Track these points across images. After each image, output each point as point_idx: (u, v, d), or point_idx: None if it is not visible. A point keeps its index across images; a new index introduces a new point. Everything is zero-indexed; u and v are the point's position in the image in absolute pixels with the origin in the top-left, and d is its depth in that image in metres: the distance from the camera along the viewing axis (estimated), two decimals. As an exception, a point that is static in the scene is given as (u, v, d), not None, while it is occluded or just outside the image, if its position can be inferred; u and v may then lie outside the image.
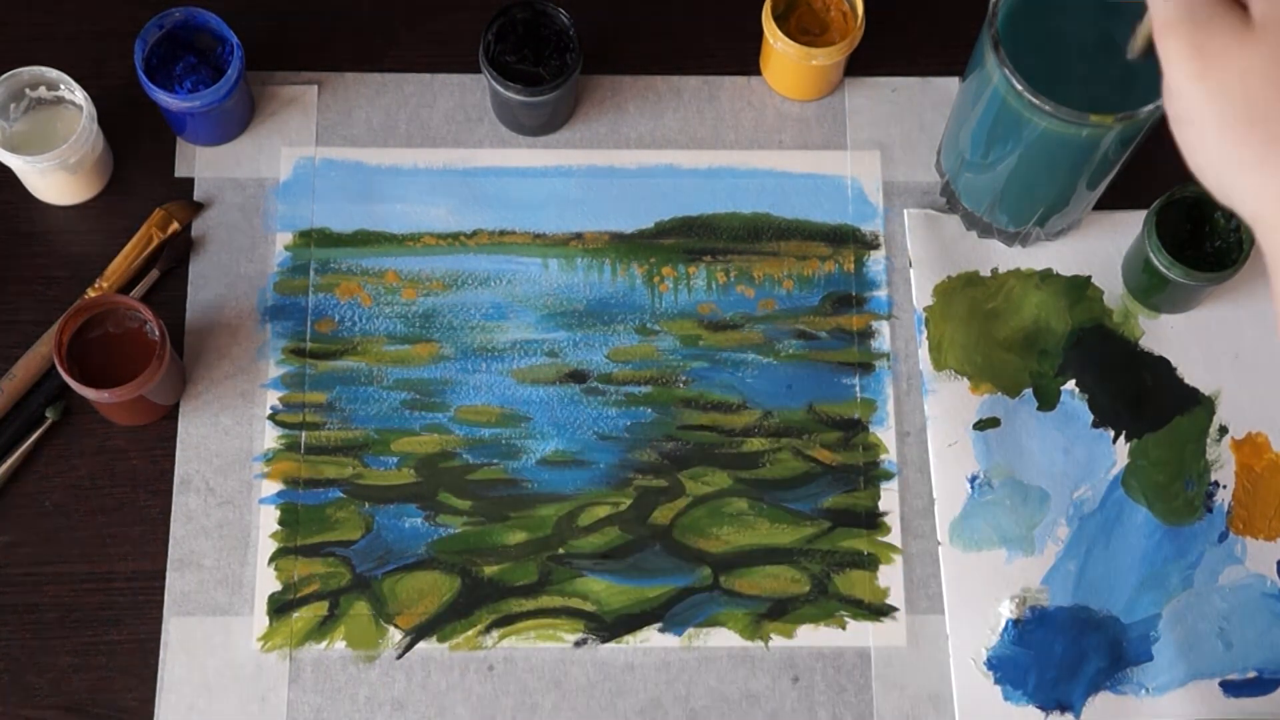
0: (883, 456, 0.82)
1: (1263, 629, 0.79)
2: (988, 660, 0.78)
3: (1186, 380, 0.84)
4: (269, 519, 0.80)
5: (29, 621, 0.78)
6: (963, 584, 0.80)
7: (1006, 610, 0.79)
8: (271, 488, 0.80)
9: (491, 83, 0.83)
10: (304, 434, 0.81)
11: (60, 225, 0.85)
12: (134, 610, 0.78)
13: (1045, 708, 0.78)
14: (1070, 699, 0.78)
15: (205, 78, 0.83)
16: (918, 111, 0.89)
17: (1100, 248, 0.86)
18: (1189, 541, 0.81)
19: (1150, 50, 0.56)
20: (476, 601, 0.79)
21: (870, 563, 0.80)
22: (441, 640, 0.78)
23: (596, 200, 0.86)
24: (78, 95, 0.81)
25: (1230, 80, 0.50)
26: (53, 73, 0.81)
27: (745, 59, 0.89)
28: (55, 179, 0.82)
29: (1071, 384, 0.84)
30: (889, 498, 0.81)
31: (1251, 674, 0.79)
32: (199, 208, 0.85)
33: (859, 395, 0.83)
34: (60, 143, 0.81)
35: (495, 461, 0.81)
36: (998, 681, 0.78)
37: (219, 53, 0.84)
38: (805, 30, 0.87)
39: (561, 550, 0.80)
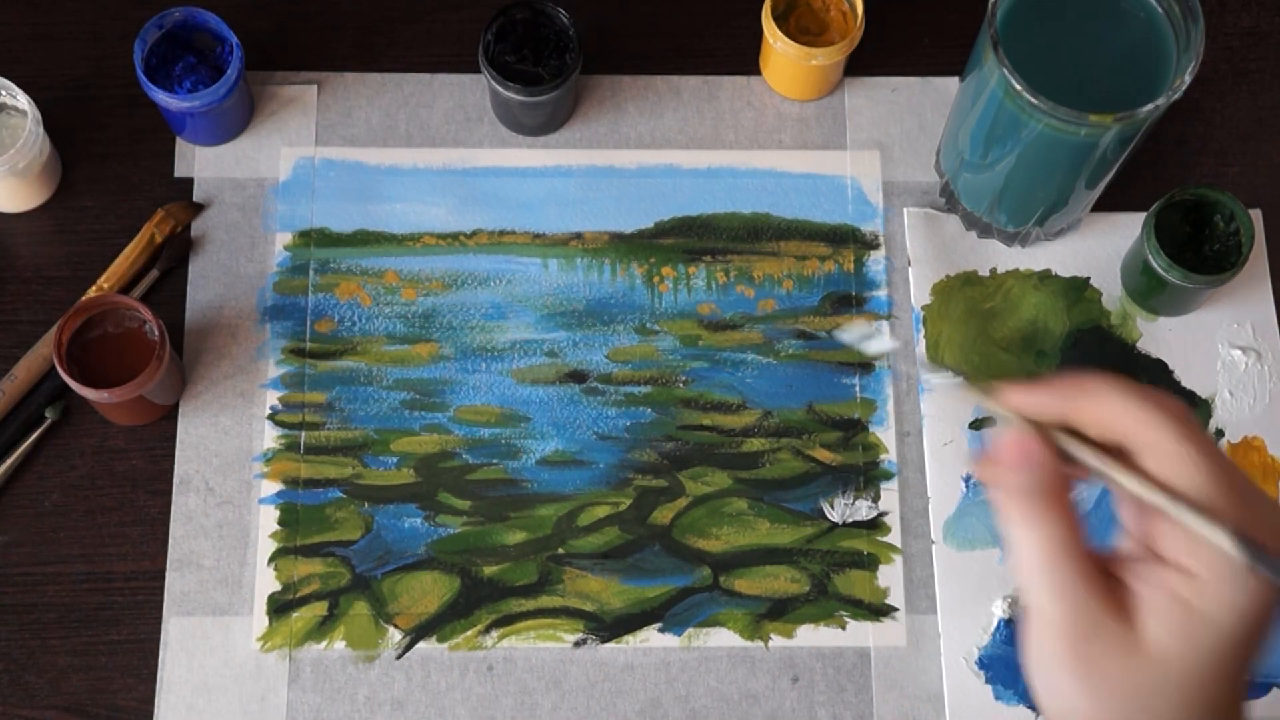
0: (883, 456, 0.82)
1: (1259, 630, 0.80)
2: (979, 660, 0.79)
3: (1183, 383, 0.84)
4: (269, 519, 0.80)
5: (28, 621, 0.78)
6: (955, 583, 0.80)
7: (999, 610, 0.79)
8: (271, 488, 0.80)
9: (491, 83, 0.83)
10: (304, 434, 0.81)
11: (60, 225, 0.85)
12: (133, 610, 0.78)
13: (1036, 708, 0.78)
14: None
15: (205, 78, 0.83)
16: (917, 111, 0.89)
17: (1099, 249, 0.86)
18: (1186, 542, 0.81)
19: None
20: (476, 601, 0.79)
21: (870, 563, 0.80)
22: (441, 640, 0.78)
23: (596, 200, 0.86)
24: (20, 100, 0.81)
25: (1117, 696, 0.48)
26: None
27: (745, 59, 0.89)
28: (4, 185, 0.81)
29: (1069, 384, 0.84)
30: (889, 498, 0.81)
31: (1247, 675, 0.79)
32: (199, 208, 0.85)
33: (859, 395, 0.83)
34: (7, 149, 0.81)
35: (495, 461, 0.81)
36: (989, 681, 0.78)
37: (218, 53, 0.84)
38: (805, 30, 0.87)
39: (561, 550, 0.80)
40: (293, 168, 0.86)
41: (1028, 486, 0.49)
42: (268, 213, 0.85)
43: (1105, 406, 0.49)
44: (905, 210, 0.87)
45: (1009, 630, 0.79)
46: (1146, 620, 0.48)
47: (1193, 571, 0.48)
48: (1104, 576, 0.49)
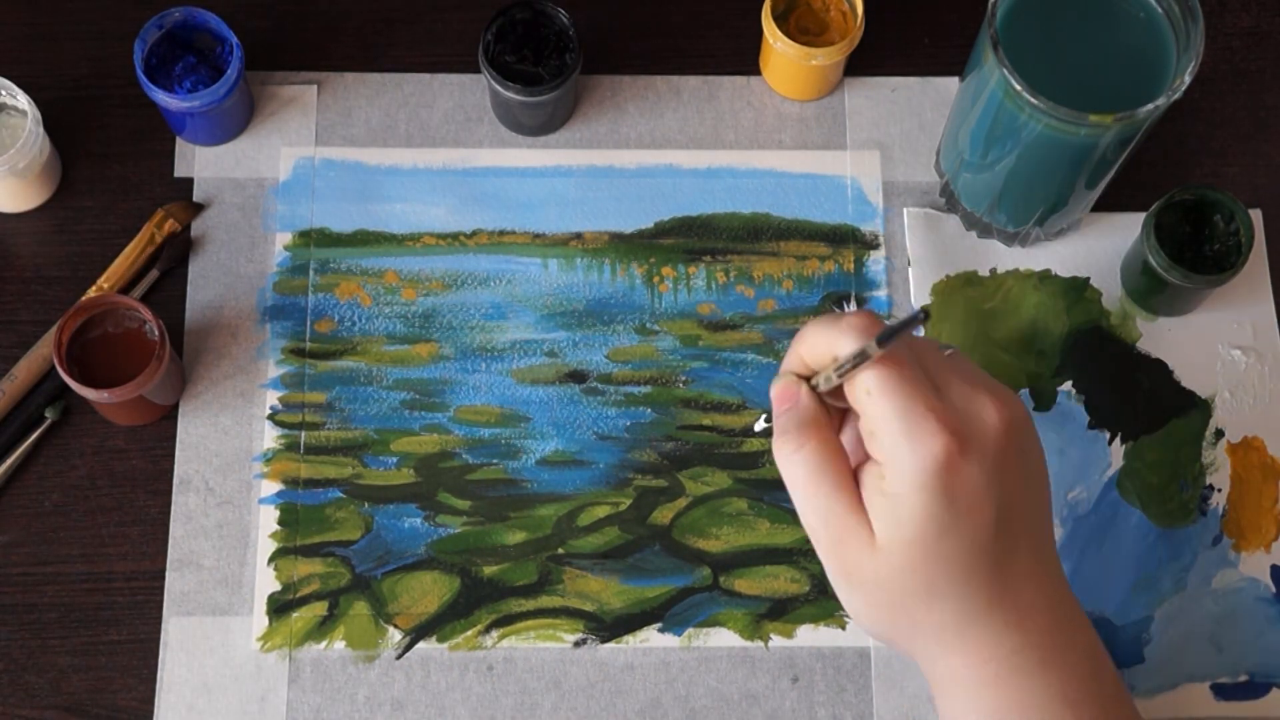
0: (882, 457, 0.82)
1: (1255, 633, 0.80)
2: (983, 658, 0.79)
3: (1183, 383, 0.84)
4: (268, 519, 0.80)
5: (28, 621, 0.78)
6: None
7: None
8: (271, 488, 0.80)
9: (491, 83, 0.83)
10: (303, 434, 0.81)
11: (60, 225, 0.85)
12: (133, 610, 0.78)
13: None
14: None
15: (205, 78, 0.83)
16: (918, 111, 0.89)
17: (1099, 249, 0.86)
18: (1183, 544, 0.81)
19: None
20: (476, 601, 0.79)
21: (869, 563, 0.80)
22: (441, 640, 0.78)
23: (596, 200, 0.87)
24: (20, 100, 0.81)
25: (868, 583, 0.58)
26: None
27: (745, 59, 0.90)
28: (4, 185, 0.81)
29: (1068, 385, 0.84)
30: (888, 498, 0.81)
31: (1243, 677, 0.79)
32: (199, 208, 0.85)
33: (858, 396, 0.83)
34: (7, 149, 0.81)
35: (495, 461, 0.81)
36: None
37: (218, 53, 0.84)
38: (805, 30, 0.87)
39: (561, 550, 0.80)
40: (293, 168, 0.86)
41: (788, 421, 0.59)
42: (268, 213, 0.85)
43: (811, 340, 0.59)
44: (905, 210, 0.87)
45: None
46: (872, 517, 0.58)
47: (883, 460, 0.57)
48: (856, 492, 0.58)
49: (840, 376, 0.57)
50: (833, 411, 0.61)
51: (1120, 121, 0.72)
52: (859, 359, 0.56)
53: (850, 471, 0.59)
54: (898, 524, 0.57)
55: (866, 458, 0.58)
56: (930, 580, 0.57)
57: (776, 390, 0.60)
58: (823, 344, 0.58)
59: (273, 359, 0.82)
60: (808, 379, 0.60)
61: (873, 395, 0.56)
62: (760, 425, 0.65)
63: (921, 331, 0.83)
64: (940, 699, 0.61)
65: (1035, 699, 0.59)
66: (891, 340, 0.55)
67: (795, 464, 0.59)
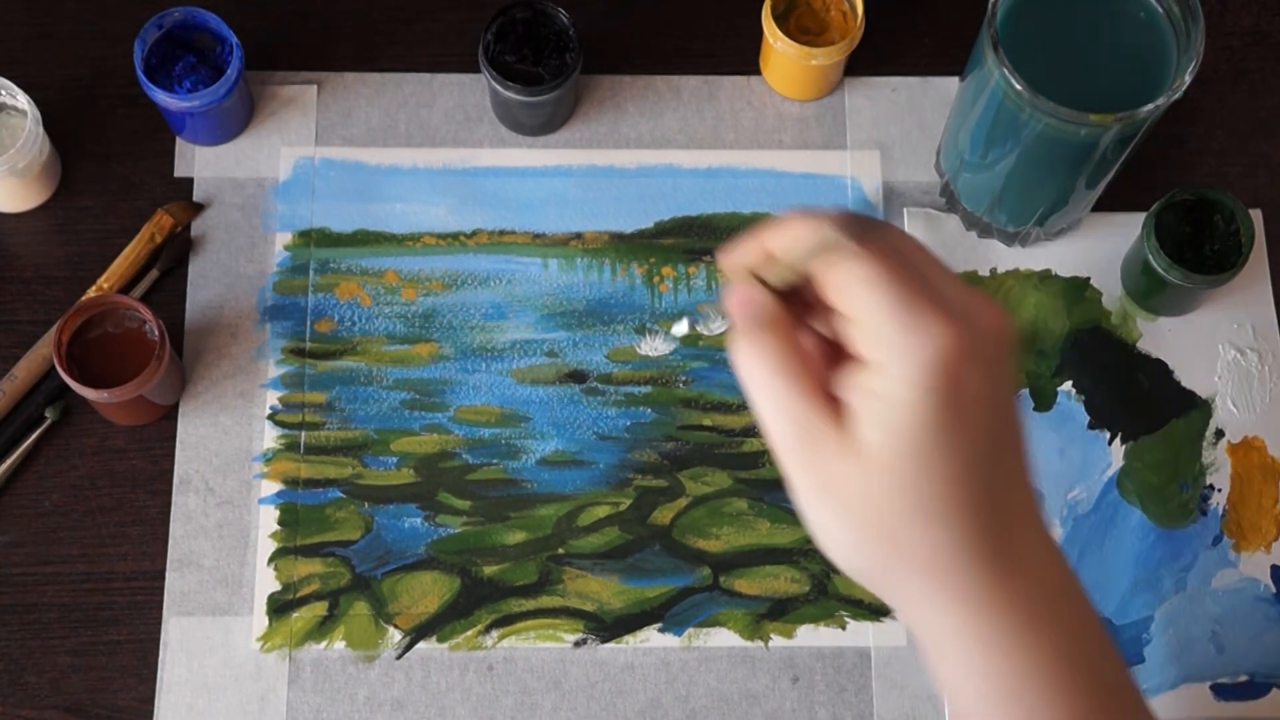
0: (882, 457, 0.82)
1: (1255, 633, 0.80)
2: (982, 659, 0.79)
3: (1184, 383, 0.84)
4: (268, 519, 0.80)
5: (28, 621, 0.78)
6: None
7: (1001, 608, 0.79)
8: (271, 488, 0.80)
9: (491, 83, 0.83)
10: (303, 434, 0.81)
11: (60, 225, 0.85)
12: (133, 610, 0.78)
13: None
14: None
15: (204, 77, 0.83)
16: (918, 111, 0.89)
17: (1099, 249, 0.86)
18: (1183, 544, 0.81)
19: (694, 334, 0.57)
20: (476, 601, 0.79)
21: (869, 563, 0.80)
22: (441, 640, 0.78)
23: (596, 200, 0.86)
24: (20, 100, 0.81)
25: (847, 498, 0.50)
26: None
27: (745, 59, 0.89)
28: (4, 185, 0.81)
29: (1068, 385, 0.84)
30: (888, 498, 0.81)
31: (1243, 677, 0.79)
32: (199, 208, 0.85)
33: (858, 396, 0.83)
34: (7, 149, 0.81)
35: (495, 461, 0.81)
36: (992, 679, 0.78)
37: (218, 52, 0.84)
38: (805, 30, 0.87)
39: (561, 550, 0.80)
40: (293, 168, 0.86)
41: (748, 322, 0.52)
42: (268, 213, 0.85)
43: (793, 232, 0.52)
44: (905, 210, 0.87)
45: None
46: (856, 424, 0.50)
47: (875, 359, 0.49)
48: (826, 396, 0.51)
49: (819, 261, 0.51)
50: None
51: (1120, 121, 0.72)
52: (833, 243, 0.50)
53: (820, 375, 0.52)
54: (891, 430, 0.49)
55: (835, 361, 0.52)
56: (922, 497, 0.49)
57: (737, 295, 0.53)
58: (807, 236, 0.51)
59: (273, 359, 0.82)
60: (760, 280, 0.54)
61: (863, 282, 0.49)
62: (681, 328, 0.57)
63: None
64: (927, 651, 0.53)
65: (1031, 659, 0.51)
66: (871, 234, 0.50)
67: (755, 364, 0.52)
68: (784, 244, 0.52)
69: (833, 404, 0.50)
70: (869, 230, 0.50)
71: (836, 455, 0.50)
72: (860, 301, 0.50)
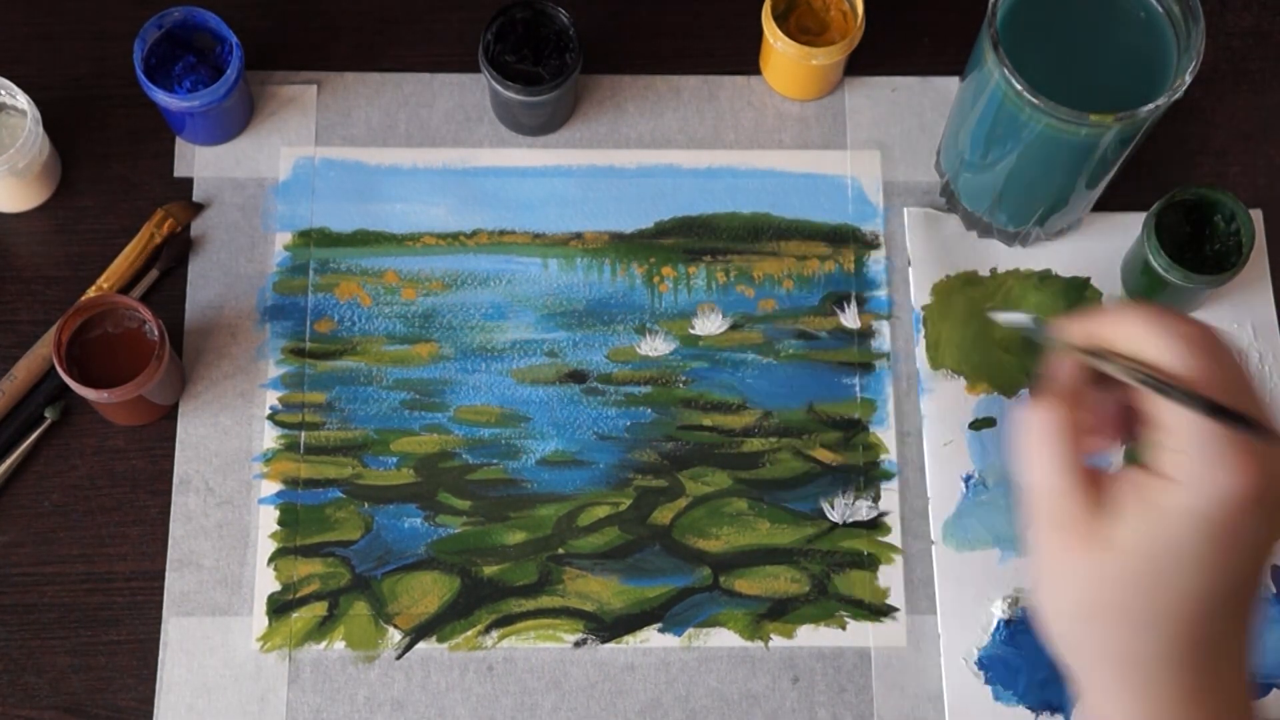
0: (883, 456, 0.82)
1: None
2: (978, 660, 0.79)
3: (1185, 382, 0.84)
4: (268, 519, 0.80)
5: (28, 622, 0.78)
6: (955, 584, 0.80)
7: (998, 610, 0.79)
8: (271, 488, 0.80)
9: (491, 83, 0.83)
10: (303, 434, 0.81)
11: (60, 225, 0.85)
12: (133, 610, 0.78)
13: (1035, 709, 0.78)
14: (1060, 700, 0.78)
15: (204, 77, 0.83)
16: (918, 111, 0.89)
17: (1100, 249, 0.86)
18: (1186, 542, 0.81)
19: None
20: (476, 602, 0.79)
21: (870, 563, 0.80)
22: (441, 640, 0.78)
23: (596, 200, 0.86)
24: (20, 100, 0.81)
25: (1076, 581, 0.53)
26: None
27: (745, 59, 0.90)
28: (4, 185, 0.81)
29: (1070, 385, 0.84)
30: (889, 498, 0.81)
31: (1247, 675, 0.79)
32: (199, 208, 0.85)
33: (859, 395, 0.83)
34: (6, 149, 0.81)
35: (495, 461, 0.81)
36: (988, 681, 0.78)
37: (218, 52, 0.84)
38: (805, 30, 0.87)
39: (561, 550, 0.80)
40: (292, 167, 0.86)
41: (1049, 392, 0.54)
42: (267, 213, 0.85)
43: (1125, 328, 0.53)
44: (905, 210, 0.87)
45: (1009, 631, 0.79)
46: (1119, 515, 0.51)
47: (1167, 473, 0.51)
48: (1093, 479, 0.52)
49: (1141, 385, 0.51)
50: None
51: (1121, 121, 0.72)
52: (1178, 396, 0.50)
53: (1083, 459, 0.53)
54: (1149, 538, 0.51)
55: (1111, 441, 0.54)
56: (1150, 606, 0.51)
57: (1056, 366, 0.55)
58: (1143, 346, 0.52)
59: (273, 359, 0.82)
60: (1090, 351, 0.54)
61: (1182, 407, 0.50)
62: (1017, 318, 0.59)
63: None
64: None
65: None
66: (1223, 420, 0.50)
67: (1038, 429, 0.53)
68: (1118, 343, 0.53)
69: (1095, 486, 0.53)
70: (1201, 351, 0.51)
71: (1083, 537, 0.52)
72: (1177, 419, 0.50)
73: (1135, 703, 0.53)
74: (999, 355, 0.84)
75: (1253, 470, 0.50)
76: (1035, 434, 0.54)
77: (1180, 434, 0.50)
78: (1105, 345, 0.54)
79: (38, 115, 0.81)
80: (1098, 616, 0.53)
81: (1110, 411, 0.55)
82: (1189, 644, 0.52)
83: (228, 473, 0.80)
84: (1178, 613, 0.52)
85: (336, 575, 0.79)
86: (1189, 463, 0.50)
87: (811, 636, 0.79)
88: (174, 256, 0.83)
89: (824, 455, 0.82)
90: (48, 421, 0.80)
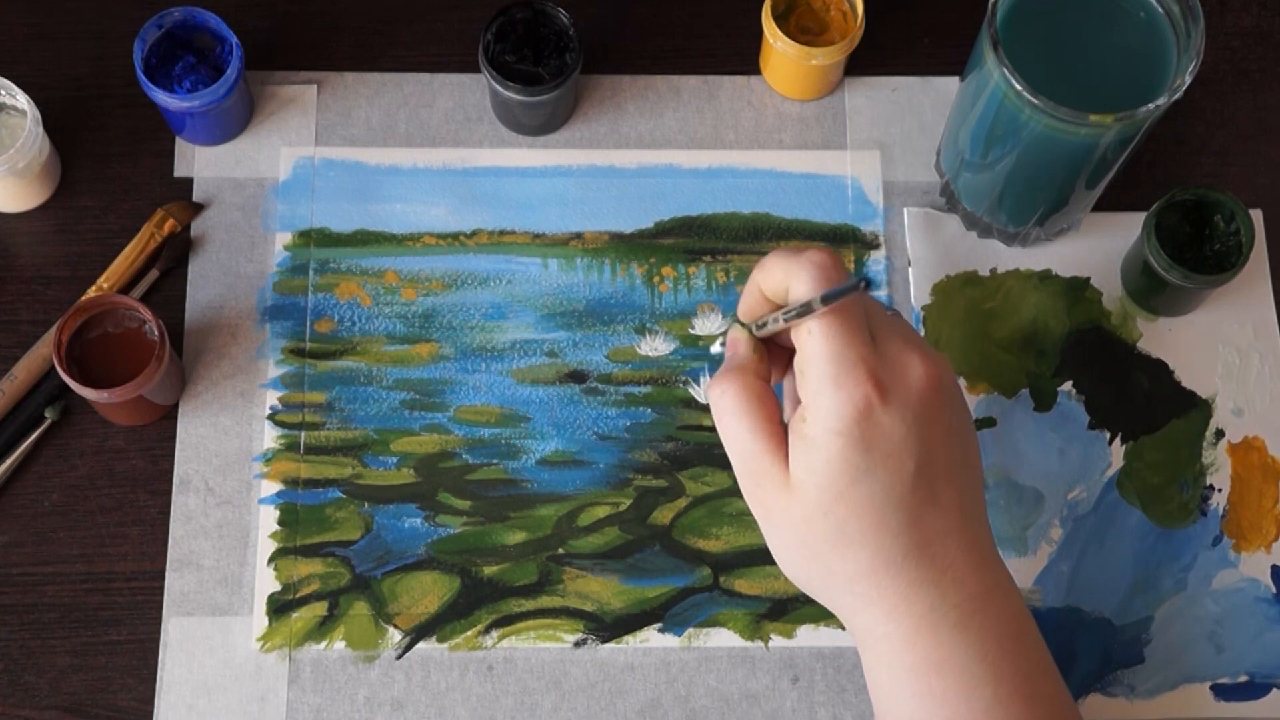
0: (882, 457, 0.82)
1: (1255, 633, 0.80)
2: (982, 658, 0.79)
3: (1184, 383, 0.84)
4: (268, 519, 0.80)
5: (28, 622, 0.78)
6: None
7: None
8: (271, 488, 0.80)
9: (491, 82, 0.83)
10: (303, 434, 0.81)
11: (60, 225, 0.85)
12: (133, 610, 0.78)
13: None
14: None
15: (204, 77, 0.83)
16: (918, 111, 0.89)
17: (1100, 249, 0.86)
18: (1183, 545, 0.81)
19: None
20: (476, 602, 0.79)
21: (869, 563, 0.80)
22: (441, 640, 0.78)
23: (596, 200, 0.87)
24: (20, 100, 0.81)
25: (784, 525, 0.60)
26: None
27: (745, 59, 0.90)
28: (4, 185, 0.81)
29: (1068, 385, 0.84)
30: (888, 499, 0.81)
31: (1243, 678, 0.79)
32: (199, 208, 0.85)
33: (858, 396, 0.83)
34: (7, 149, 0.81)
35: (495, 461, 0.81)
36: (991, 679, 0.79)
37: (218, 52, 0.84)
38: (805, 30, 0.87)
39: (561, 550, 0.80)
40: (292, 167, 0.86)
41: (726, 364, 0.62)
42: (267, 213, 0.85)
43: (770, 269, 0.61)
44: (905, 210, 0.87)
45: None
46: (790, 459, 0.59)
47: (806, 405, 0.58)
48: (780, 434, 0.60)
49: (787, 321, 0.60)
50: (779, 357, 0.64)
51: (1120, 121, 0.72)
52: (804, 310, 0.58)
53: (775, 416, 0.61)
54: (810, 467, 0.58)
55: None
56: (841, 525, 0.58)
57: (729, 337, 0.63)
58: (780, 274, 0.61)
59: (273, 359, 0.82)
60: (753, 324, 0.63)
61: (813, 336, 0.58)
62: (716, 348, 0.67)
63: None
64: (862, 653, 0.62)
65: (953, 658, 0.59)
66: (834, 300, 0.57)
67: (721, 404, 0.61)
68: (768, 283, 0.61)
69: (782, 442, 0.60)
70: (830, 296, 0.57)
71: (775, 488, 0.60)
72: (809, 349, 0.58)
73: (879, 610, 0.60)
74: (999, 356, 0.84)
75: (863, 383, 0.57)
76: (723, 407, 0.61)
77: (809, 366, 0.58)
78: (764, 301, 0.62)
79: (38, 115, 0.81)
80: (812, 551, 0.60)
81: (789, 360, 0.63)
82: (893, 542, 0.59)
83: (228, 473, 0.80)
84: (865, 521, 0.58)
85: (336, 575, 0.79)
86: (813, 390, 0.58)
87: (811, 636, 0.79)
88: (174, 256, 0.83)
89: (824, 455, 0.82)
90: (48, 421, 0.80)
